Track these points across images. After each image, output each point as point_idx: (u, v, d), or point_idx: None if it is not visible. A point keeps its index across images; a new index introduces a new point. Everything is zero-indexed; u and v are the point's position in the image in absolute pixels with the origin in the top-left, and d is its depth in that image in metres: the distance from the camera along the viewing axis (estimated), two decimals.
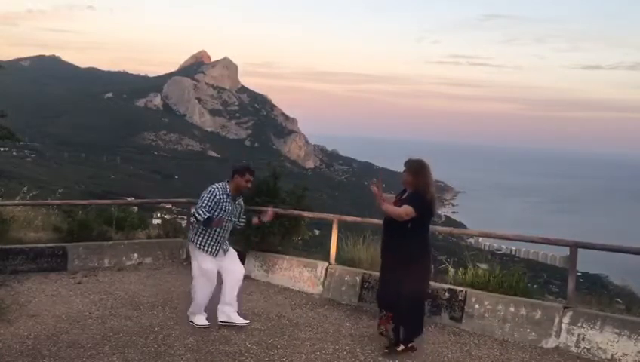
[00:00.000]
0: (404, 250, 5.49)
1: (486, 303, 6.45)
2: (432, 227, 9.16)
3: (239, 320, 6.29)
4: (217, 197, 6.10)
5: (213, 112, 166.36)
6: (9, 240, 8.50)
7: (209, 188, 6.17)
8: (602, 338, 5.74)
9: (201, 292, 6.23)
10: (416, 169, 5.55)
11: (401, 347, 5.60)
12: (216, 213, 6.06)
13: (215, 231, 6.13)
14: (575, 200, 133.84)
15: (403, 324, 5.59)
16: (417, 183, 5.49)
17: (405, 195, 5.56)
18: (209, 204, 6.07)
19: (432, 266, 5.90)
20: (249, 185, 6.33)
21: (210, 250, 6.19)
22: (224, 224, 6.15)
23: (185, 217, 10.81)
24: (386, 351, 5.62)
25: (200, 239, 6.17)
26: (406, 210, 5.34)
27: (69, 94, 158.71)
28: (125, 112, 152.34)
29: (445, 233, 8.76)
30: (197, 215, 6.03)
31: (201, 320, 6.26)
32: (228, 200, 6.16)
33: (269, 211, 6.58)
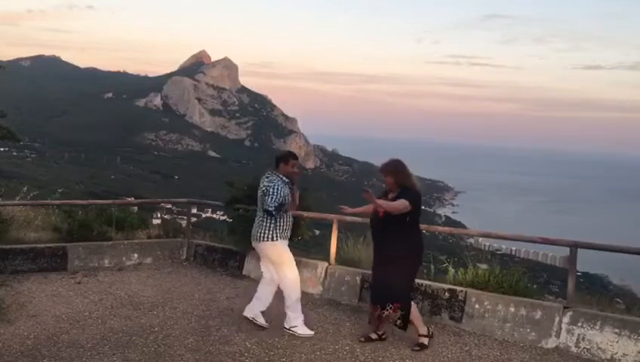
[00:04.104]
0: (405, 244, 5.63)
1: (486, 303, 6.45)
2: (432, 227, 9.21)
3: (263, 322, 6.22)
4: (282, 189, 5.91)
5: (213, 112, 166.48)
6: (9, 240, 8.50)
7: (274, 182, 5.91)
8: (602, 338, 5.74)
9: (298, 288, 6.15)
10: (396, 169, 5.74)
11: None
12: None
13: (281, 218, 6.00)
14: (575, 200, 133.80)
15: (408, 309, 5.76)
16: (403, 181, 5.67)
17: (393, 195, 5.66)
18: (280, 196, 5.88)
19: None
20: (296, 169, 6.13)
21: (285, 235, 6.09)
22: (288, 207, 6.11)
23: (185, 217, 10.80)
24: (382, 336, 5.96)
25: (274, 232, 6.01)
26: (403, 203, 5.49)
27: (69, 94, 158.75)
28: (125, 112, 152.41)
29: (445, 233, 8.77)
30: (269, 208, 5.85)
31: (305, 329, 6.09)
32: (286, 187, 6.01)
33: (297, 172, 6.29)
